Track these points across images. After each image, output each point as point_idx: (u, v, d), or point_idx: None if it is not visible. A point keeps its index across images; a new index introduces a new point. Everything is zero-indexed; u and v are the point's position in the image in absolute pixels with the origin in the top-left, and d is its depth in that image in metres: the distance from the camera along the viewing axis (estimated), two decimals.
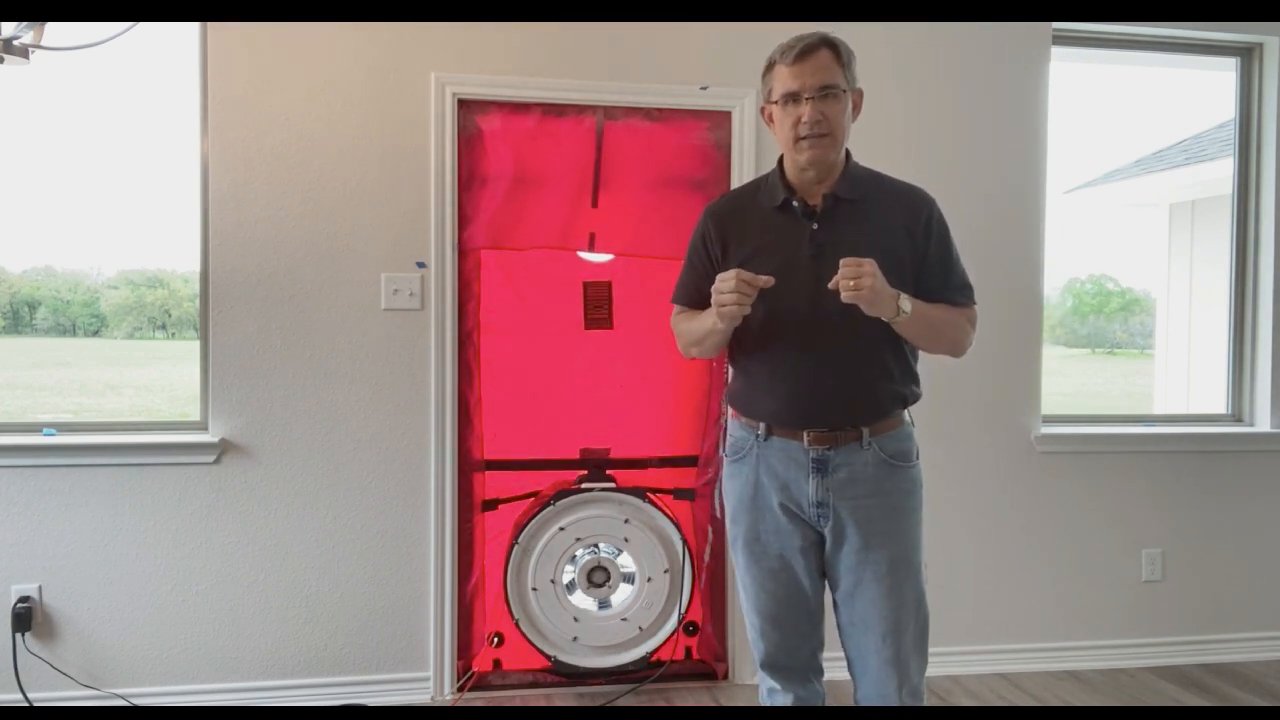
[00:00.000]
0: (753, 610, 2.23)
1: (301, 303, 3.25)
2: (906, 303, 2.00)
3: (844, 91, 2.06)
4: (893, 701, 2.13)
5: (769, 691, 2.26)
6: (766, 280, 1.97)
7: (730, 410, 2.26)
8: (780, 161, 2.17)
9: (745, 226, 2.17)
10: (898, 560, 2.12)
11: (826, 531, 2.13)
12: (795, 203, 2.12)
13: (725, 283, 1.98)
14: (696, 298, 2.21)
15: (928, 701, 3.39)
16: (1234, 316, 3.92)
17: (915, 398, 2.19)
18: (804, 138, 2.05)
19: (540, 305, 3.42)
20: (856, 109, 2.13)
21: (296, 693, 3.28)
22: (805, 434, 2.09)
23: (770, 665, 2.23)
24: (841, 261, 1.94)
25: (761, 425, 2.15)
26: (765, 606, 2.20)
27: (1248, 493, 3.82)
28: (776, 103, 2.09)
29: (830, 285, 1.95)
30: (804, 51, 2.04)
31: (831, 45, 2.07)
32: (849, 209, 2.11)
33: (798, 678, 2.22)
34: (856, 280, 1.92)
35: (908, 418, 2.19)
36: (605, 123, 3.38)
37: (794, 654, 2.21)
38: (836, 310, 2.00)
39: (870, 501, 2.10)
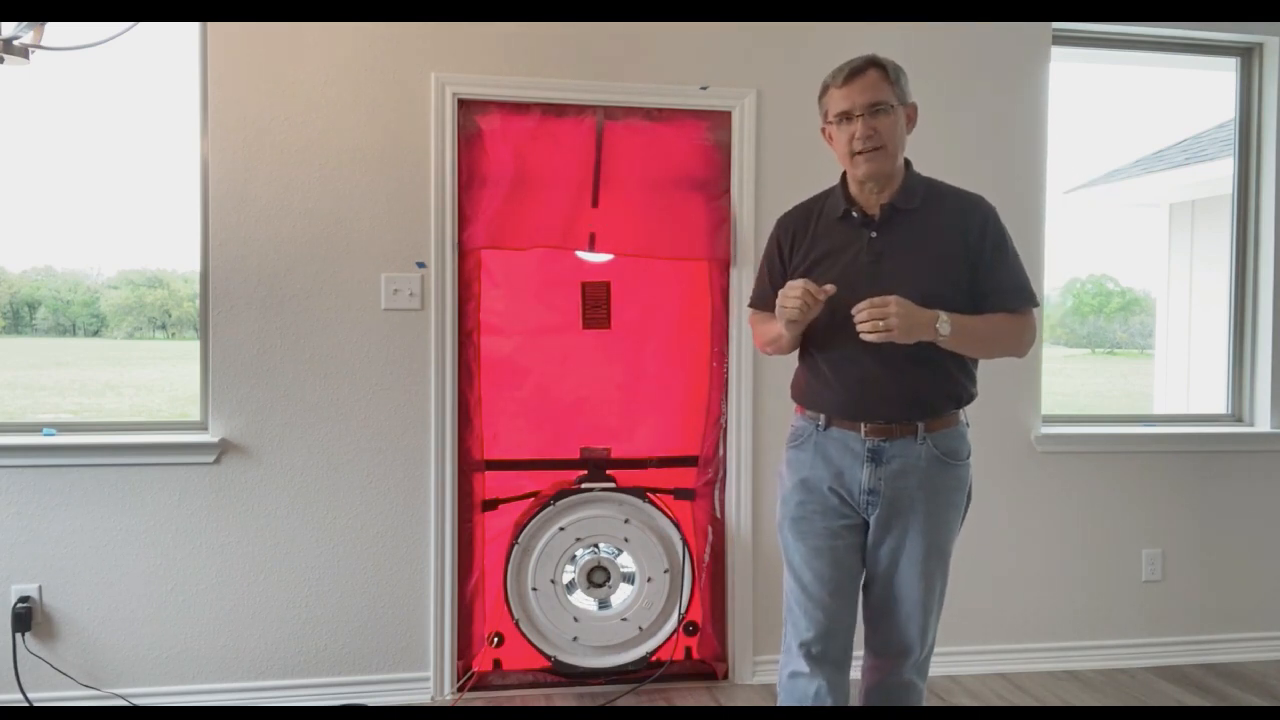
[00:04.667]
0: (798, 588, 2.28)
1: (301, 303, 3.25)
2: (945, 325, 2.10)
3: (894, 107, 2.19)
4: (905, 675, 2.31)
5: (791, 675, 2.28)
6: (829, 289, 2.09)
7: (794, 405, 2.37)
8: (843, 177, 2.30)
9: (811, 234, 2.29)
10: (934, 549, 2.24)
11: (872, 520, 2.23)
12: (855, 213, 2.24)
13: (792, 290, 2.10)
14: (772, 302, 2.32)
15: (928, 702, 3.40)
16: (1234, 316, 3.92)
17: (970, 397, 2.29)
18: (859, 153, 2.17)
19: (540, 305, 3.42)
20: (911, 122, 2.26)
21: (296, 693, 3.28)
22: (862, 425, 2.20)
23: (805, 647, 2.26)
24: (865, 303, 2.05)
25: (822, 417, 2.26)
26: (810, 585, 2.26)
27: (1248, 493, 3.82)
28: (833, 123, 2.22)
29: (856, 324, 2.06)
30: (853, 73, 2.18)
31: (879, 65, 2.19)
32: (906, 217, 2.22)
33: (830, 662, 2.27)
34: (884, 320, 2.03)
35: (963, 417, 2.29)
36: (605, 123, 3.38)
37: (832, 638, 2.27)
38: None
39: (919, 494, 2.21)
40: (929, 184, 2.28)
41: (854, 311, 2.06)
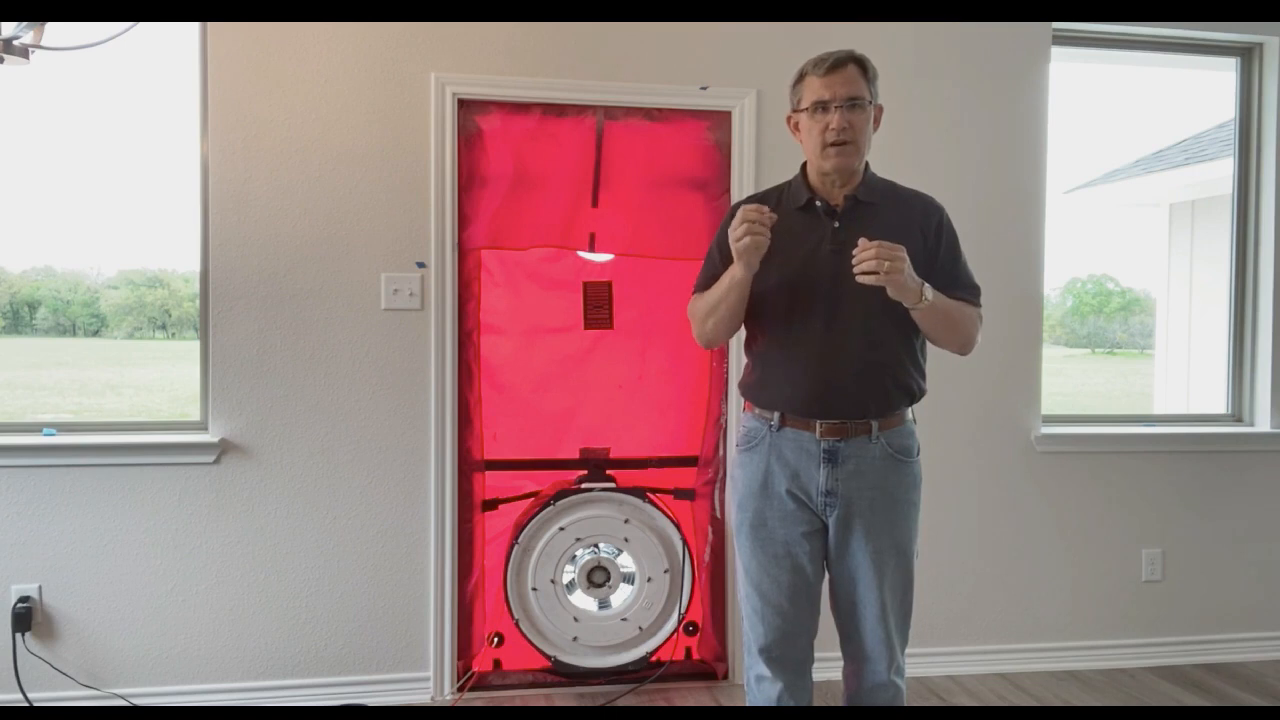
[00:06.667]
0: (755, 595, 2.29)
1: (301, 303, 3.25)
2: (929, 291, 2.12)
3: (868, 104, 2.20)
4: (884, 678, 2.28)
5: (757, 679, 2.31)
6: (771, 216, 2.07)
7: (743, 402, 2.35)
8: (804, 168, 2.30)
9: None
10: (895, 550, 2.24)
11: (831, 521, 2.23)
12: (818, 202, 2.24)
13: (736, 225, 2.07)
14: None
15: (928, 702, 3.41)
16: (1234, 316, 3.92)
17: (922, 394, 2.30)
18: (831, 144, 2.17)
19: (540, 305, 3.42)
20: (877, 122, 2.26)
21: (296, 693, 3.28)
22: (818, 425, 2.20)
23: (766, 652, 2.28)
24: (875, 243, 2.03)
25: (775, 415, 2.24)
26: (769, 592, 2.26)
27: (1248, 493, 3.82)
28: (805, 111, 2.21)
29: (856, 260, 2.04)
30: (834, 65, 2.17)
31: (859, 61, 2.20)
32: (868, 211, 2.23)
33: (791, 667, 2.28)
34: (891, 263, 2.02)
35: (910, 415, 2.29)
36: (605, 123, 3.38)
37: (792, 642, 2.28)
38: (855, 304, 2.12)
39: (875, 493, 2.21)
40: (885, 182, 2.30)
41: (859, 249, 2.04)
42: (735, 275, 2.15)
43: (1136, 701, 3.40)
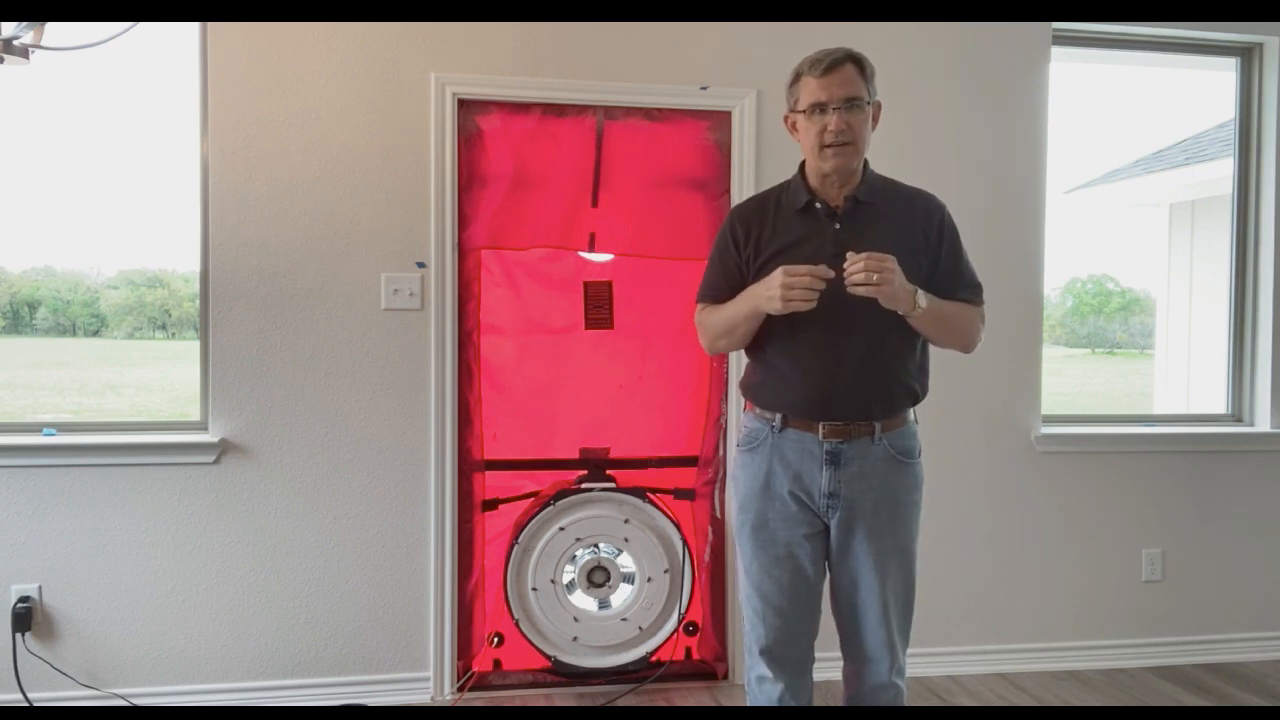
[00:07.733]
0: (756, 597, 2.28)
1: (301, 303, 3.25)
2: (923, 298, 2.11)
3: (866, 103, 2.18)
4: (885, 679, 2.27)
5: (758, 680, 2.31)
6: (830, 272, 2.06)
7: (744, 403, 2.35)
8: (802, 167, 2.28)
9: (771, 226, 2.25)
10: (897, 551, 2.24)
11: (833, 523, 2.23)
12: (818, 204, 2.22)
13: (798, 278, 2.05)
14: (727, 295, 2.28)
15: (928, 702, 3.41)
16: (1234, 316, 3.92)
17: (924, 394, 2.30)
18: (829, 145, 2.15)
19: (540, 305, 3.42)
20: (876, 120, 2.24)
21: (296, 693, 3.28)
22: (820, 426, 2.19)
23: (767, 653, 2.28)
24: (864, 255, 2.03)
25: (778, 417, 2.24)
26: (770, 593, 2.26)
27: (1248, 493, 3.82)
28: (803, 112, 2.19)
29: (846, 273, 2.04)
30: (831, 65, 2.15)
31: (856, 60, 2.18)
32: (869, 211, 2.22)
33: (792, 667, 2.29)
34: (880, 274, 2.02)
35: (912, 416, 2.29)
36: (605, 123, 3.38)
37: (793, 642, 2.28)
38: (858, 306, 2.10)
39: (877, 495, 2.21)
40: (886, 181, 2.29)
41: (849, 261, 2.04)
42: (758, 311, 2.15)
43: (1136, 701, 3.40)
